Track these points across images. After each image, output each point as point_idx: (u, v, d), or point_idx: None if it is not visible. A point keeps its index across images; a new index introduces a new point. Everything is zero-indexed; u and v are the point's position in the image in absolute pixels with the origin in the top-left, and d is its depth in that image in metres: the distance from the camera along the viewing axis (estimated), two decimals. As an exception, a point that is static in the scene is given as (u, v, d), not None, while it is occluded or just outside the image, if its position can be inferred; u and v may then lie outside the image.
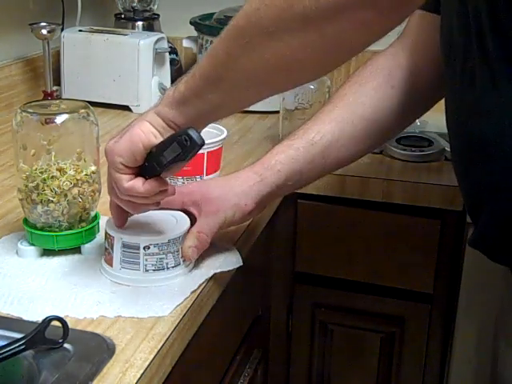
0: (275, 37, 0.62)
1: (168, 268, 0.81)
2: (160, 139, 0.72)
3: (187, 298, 0.79)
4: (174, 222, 0.84)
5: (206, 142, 1.03)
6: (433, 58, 0.85)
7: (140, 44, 1.52)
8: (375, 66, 0.92)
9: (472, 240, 0.78)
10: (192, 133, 0.69)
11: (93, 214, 0.89)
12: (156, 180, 0.74)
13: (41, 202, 0.84)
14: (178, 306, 0.77)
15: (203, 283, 0.82)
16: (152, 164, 0.73)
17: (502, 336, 0.87)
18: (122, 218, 0.81)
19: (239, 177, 0.88)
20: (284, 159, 0.86)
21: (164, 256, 0.80)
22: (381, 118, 0.89)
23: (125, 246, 0.80)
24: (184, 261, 0.82)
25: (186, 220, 0.84)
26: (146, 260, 0.80)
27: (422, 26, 0.89)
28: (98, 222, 0.90)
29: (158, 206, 0.79)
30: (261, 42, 0.63)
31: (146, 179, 0.74)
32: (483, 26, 0.67)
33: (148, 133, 0.72)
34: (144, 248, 0.80)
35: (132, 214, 0.82)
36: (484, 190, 0.73)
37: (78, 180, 0.85)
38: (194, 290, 0.80)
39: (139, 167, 0.74)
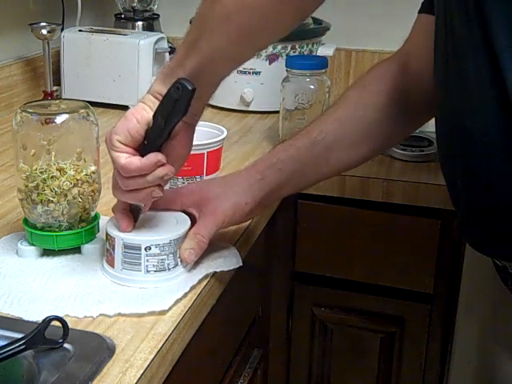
0: None
1: (169, 269, 0.81)
2: (150, 112, 0.74)
3: (187, 293, 0.79)
4: (174, 222, 0.84)
5: (206, 142, 1.04)
6: (432, 61, 0.84)
7: (140, 44, 1.52)
8: (380, 70, 0.91)
9: (456, 229, 0.78)
10: (183, 80, 0.70)
11: (93, 214, 0.89)
12: (152, 153, 0.74)
13: (41, 201, 0.84)
14: (177, 300, 0.77)
15: (203, 281, 0.82)
16: (151, 138, 0.74)
17: (502, 340, 0.87)
18: (128, 221, 0.81)
19: (240, 175, 0.88)
20: (286, 158, 0.86)
21: (165, 257, 0.80)
22: (383, 121, 0.89)
23: (126, 246, 0.80)
24: (184, 261, 0.82)
25: (187, 220, 0.84)
26: (148, 261, 0.80)
27: (422, 29, 0.89)
28: (98, 222, 0.89)
29: (162, 191, 0.78)
30: None
31: None
32: (453, 13, 0.67)
33: (139, 109, 0.75)
34: (145, 249, 0.80)
35: (137, 218, 0.81)
36: (459, 177, 0.73)
37: (78, 180, 0.85)
38: (194, 285, 0.80)
39: (138, 151, 0.75)
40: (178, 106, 0.71)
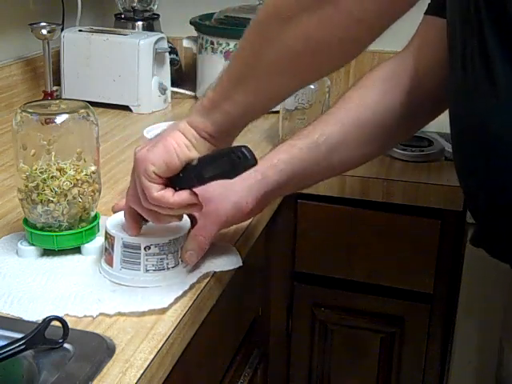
0: (293, 20, 0.62)
1: (168, 268, 0.81)
2: (193, 151, 0.72)
3: (186, 291, 0.79)
4: (174, 222, 0.83)
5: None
6: (440, 62, 0.83)
7: (140, 44, 1.52)
8: (383, 71, 0.91)
9: (472, 238, 0.78)
10: (246, 150, 0.69)
11: (93, 214, 0.89)
12: (187, 192, 0.74)
13: (41, 201, 0.84)
14: (177, 298, 0.77)
15: (203, 281, 0.82)
16: (189, 176, 0.72)
17: (506, 340, 0.87)
18: (137, 225, 0.80)
19: (240, 175, 0.87)
20: (287, 159, 0.86)
21: (165, 256, 0.80)
22: (386, 122, 0.88)
23: (125, 246, 0.80)
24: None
25: (187, 220, 0.84)
26: (147, 260, 0.80)
27: (429, 31, 0.88)
28: (98, 222, 0.89)
29: (180, 219, 0.78)
30: (280, 30, 0.63)
31: (176, 190, 0.74)
32: (481, 12, 0.67)
33: (181, 144, 0.72)
34: (145, 248, 0.80)
35: (146, 223, 0.81)
36: (482, 183, 0.73)
37: (78, 180, 0.85)
38: (193, 284, 0.80)
39: (169, 178, 0.73)
40: (232, 171, 0.70)
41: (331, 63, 0.67)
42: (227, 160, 0.70)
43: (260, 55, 0.66)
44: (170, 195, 0.73)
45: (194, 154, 0.72)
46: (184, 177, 0.73)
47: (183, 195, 0.73)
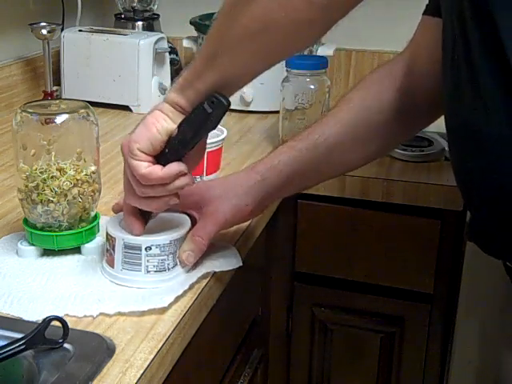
0: (253, 2, 0.66)
1: (169, 269, 0.81)
2: (170, 123, 0.74)
3: (186, 290, 0.79)
4: (175, 223, 0.83)
5: (206, 141, 1.03)
6: (436, 64, 0.83)
7: (140, 44, 1.52)
8: (383, 72, 0.91)
9: (467, 232, 0.78)
10: (217, 94, 0.70)
11: (93, 214, 0.89)
12: (175, 163, 0.74)
13: (41, 201, 0.84)
14: (177, 297, 0.77)
15: (203, 281, 0.82)
16: (173, 147, 0.74)
17: (503, 341, 0.87)
18: (140, 225, 0.80)
19: (240, 177, 0.88)
20: (287, 160, 0.86)
21: (165, 257, 0.80)
22: (385, 122, 0.88)
23: (126, 246, 0.80)
24: (184, 262, 0.82)
25: (187, 221, 0.84)
26: (148, 261, 0.80)
27: (427, 31, 0.88)
28: (98, 222, 0.89)
29: (177, 198, 0.78)
30: (241, 10, 0.67)
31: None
32: (465, 12, 0.67)
33: (159, 118, 0.74)
34: (146, 249, 0.80)
35: (148, 221, 0.81)
36: (475, 179, 0.73)
37: (78, 180, 0.85)
38: (193, 284, 0.80)
39: (156, 159, 0.74)
40: (211, 120, 0.72)
41: (287, 44, 0.70)
42: (202, 110, 0.72)
43: (224, 34, 0.70)
44: (158, 169, 0.74)
45: (172, 126, 0.74)
46: (169, 151, 0.74)
47: (172, 166, 0.74)
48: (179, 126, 0.73)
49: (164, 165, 0.74)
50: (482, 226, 0.75)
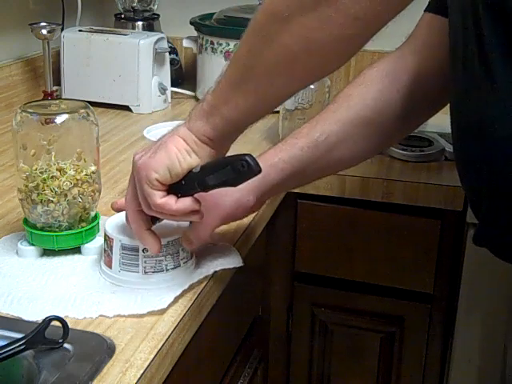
0: (291, 21, 0.61)
1: (167, 270, 0.81)
2: (194, 156, 0.72)
3: (185, 290, 0.79)
4: (173, 224, 0.83)
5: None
6: (440, 61, 0.83)
7: (140, 44, 1.52)
8: (381, 68, 0.91)
9: (475, 236, 0.77)
10: (250, 159, 0.68)
11: (93, 214, 0.89)
12: (190, 199, 0.73)
13: (41, 201, 0.84)
14: (176, 298, 0.77)
15: (203, 281, 0.82)
16: (191, 183, 0.72)
17: (510, 341, 0.87)
18: (156, 241, 0.78)
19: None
20: (288, 158, 0.86)
21: (163, 258, 0.80)
22: (385, 120, 0.88)
23: (124, 248, 0.80)
24: (184, 263, 0.82)
25: (186, 222, 0.84)
26: (145, 262, 0.80)
27: (430, 29, 0.88)
28: (98, 222, 0.89)
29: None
30: (278, 30, 0.63)
31: (179, 197, 0.73)
32: (479, 10, 0.67)
33: (182, 150, 0.71)
34: (143, 250, 0.79)
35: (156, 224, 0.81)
36: (483, 181, 0.73)
37: (78, 180, 0.85)
38: (193, 284, 0.80)
39: (170, 185, 0.73)
40: (236, 179, 0.70)
41: (328, 63, 0.67)
42: (231, 168, 0.69)
43: (258, 56, 0.66)
44: (172, 202, 0.72)
45: (195, 160, 0.72)
46: (186, 184, 0.72)
47: (186, 202, 0.73)
48: (203, 167, 0.71)
49: (177, 194, 0.73)
50: (492, 230, 0.74)
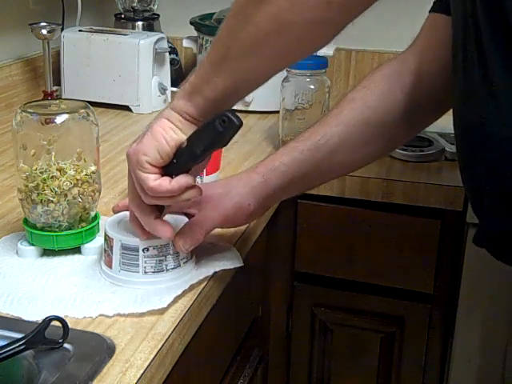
0: (266, 1, 0.63)
1: (167, 270, 0.81)
2: (180, 133, 0.72)
3: (186, 290, 0.78)
4: (173, 224, 0.83)
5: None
6: (443, 62, 0.82)
7: (140, 44, 1.52)
8: (385, 71, 0.90)
9: (475, 237, 0.77)
10: (229, 113, 0.69)
11: (93, 214, 0.89)
12: (184, 175, 0.73)
13: (41, 201, 0.84)
14: (176, 298, 0.77)
15: (203, 280, 0.82)
16: (182, 159, 0.73)
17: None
18: (168, 228, 0.78)
19: (242, 178, 0.87)
20: (288, 161, 0.86)
21: (163, 258, 0.80)
22: (388, 123, 0.88)
23: (124, 247, 0.80)
24: (184, 263, 0.82)
25: (186, 222, 0.84)
26: (146, 262, 0.80)
27: (433, 30, 0.87)
28: (98, 222, 0.89)
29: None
30: (253, 11, 0.65)
31: (173, 178, 0.73)
32: (478, 14, 0.67)
33: (168, 129, 0.72)
34: (143, 250, 0.79)
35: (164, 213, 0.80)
36: (484, 181, 0.72)
37: (78, 180, 0.85)
38: (193, 284, 0.80)
39: (164, 169, 0.73)
40: (221, 138, 0.70)
41: (300, 46, 0.68)
42: (213, 128, 0.70)
43: (234, 37, 0.68)
44: (167, 182, 0.72)
45: (181, 136, 0.72)
46: (178, 162, 0.73)
47: (181, 179, 0.73)
48: (189, 139, 0.72)
49: (171, 175, 0.73)
50: (492, 232, 0.74)
